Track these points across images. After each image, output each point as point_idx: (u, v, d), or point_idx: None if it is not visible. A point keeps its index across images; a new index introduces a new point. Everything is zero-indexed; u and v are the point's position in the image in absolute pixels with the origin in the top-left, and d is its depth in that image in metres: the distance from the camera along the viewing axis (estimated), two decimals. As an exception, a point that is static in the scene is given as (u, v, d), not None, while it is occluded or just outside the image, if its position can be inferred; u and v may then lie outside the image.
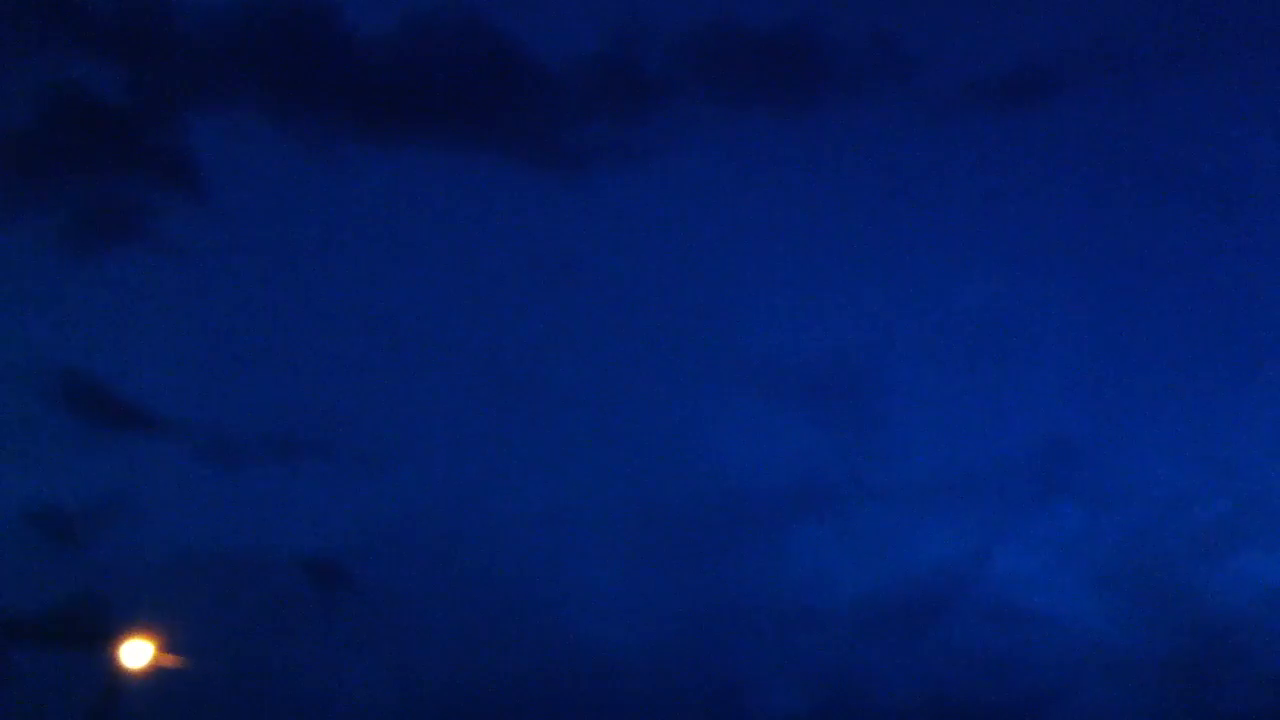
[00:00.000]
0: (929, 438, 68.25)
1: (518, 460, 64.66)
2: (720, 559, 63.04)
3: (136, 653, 27.82)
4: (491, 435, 65.05)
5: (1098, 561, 64.52)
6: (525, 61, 66.66)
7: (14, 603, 50.83)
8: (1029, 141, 71.90)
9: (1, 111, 60.54)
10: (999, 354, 69.20)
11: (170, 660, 28.00)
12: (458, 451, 64.63)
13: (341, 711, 54.22)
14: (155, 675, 28.54)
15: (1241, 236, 70.70)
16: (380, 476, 63.54)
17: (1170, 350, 70.92)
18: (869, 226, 71.22)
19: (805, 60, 68.35)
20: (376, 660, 56.88)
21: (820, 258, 71.79)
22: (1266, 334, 68.92)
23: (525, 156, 66.74)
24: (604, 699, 55.85)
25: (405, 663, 56.69)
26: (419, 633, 58.46)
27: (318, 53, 65.17)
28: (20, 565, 54.39)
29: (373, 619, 58.00)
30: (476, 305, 67.54)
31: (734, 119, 69.23)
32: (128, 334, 62.74)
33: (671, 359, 68.22)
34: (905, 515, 65.22)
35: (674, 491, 63.81)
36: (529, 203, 67.46)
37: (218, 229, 63.71)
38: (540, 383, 66.57)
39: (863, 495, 65.78)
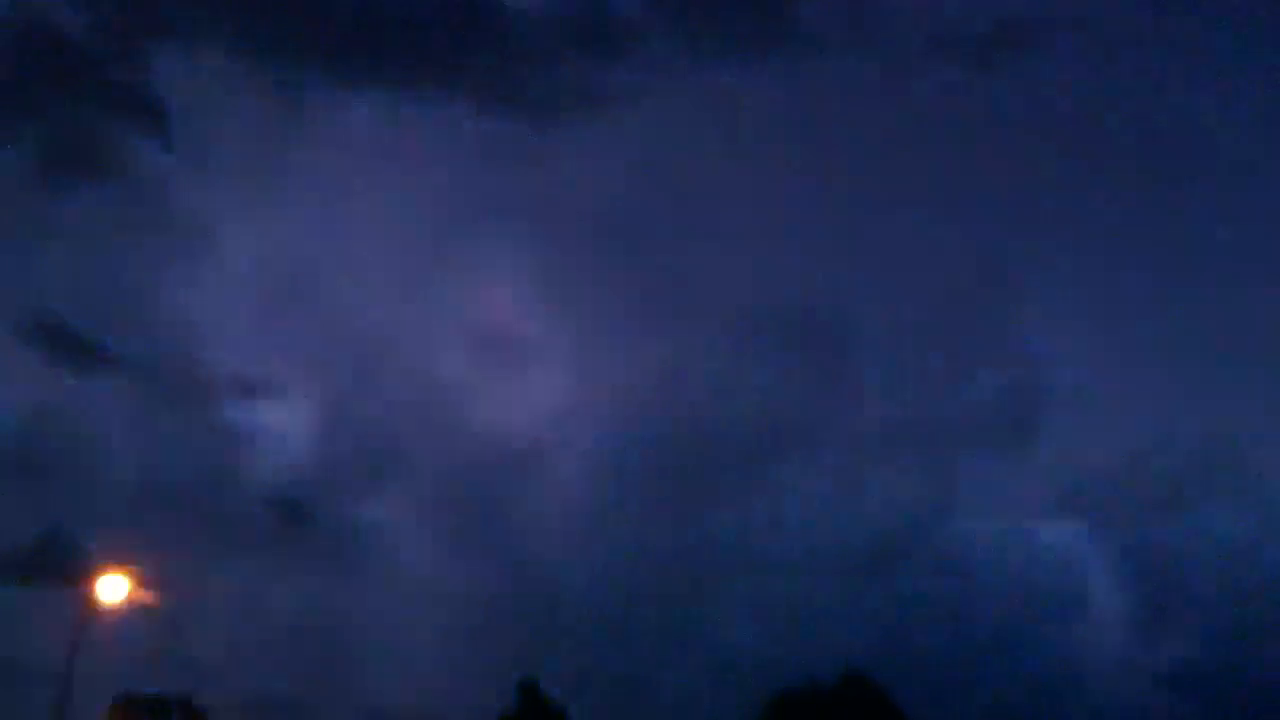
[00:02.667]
0: (895, 386, 69.06)
1: (483, 398, 65.21)
2: (686, 499, 63.79)
3: (111, 587, 28.15)
4: (458, 375, 65.50)
5: (1056, 512, 65.50)
6: (495, 6, 66.64)
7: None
8: (1000, 95, 72.48)
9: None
10: (965, 304, 69.80)
11: (145, 596, 28.41)
12: (422, 391, 65.09)
13: (309, 639, 54.92)
14: (128, 609, 28.97)
15: (1203, 194, 71.81)
16: (345, 413, 64.27)
17: (1133, 306, 72.22)
18: (839, 175, 71.49)
19: (775, 9, 68.55)
20: (343, 591, 57.63)
21: (789, 205, 72.24)
22: (1225, 293, 69.98)
23: (494, 100, 66.80)
24: (570, 631, 56.70)
25: (370, 597, 57.43)
26: (383, 562, 59.36)
27: (287, -4, 65.00)
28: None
29: (337, 548, 58.91)
30: (444, 246, 67.82)
31: (703, 66, 69.45)
32: (92, 273, 62.88)
33: (640, 302, 68.79)
34: (869, 463, 66.03)
35: (641, 431, 64.42)
36: (498, 146, 67.59)
37: (185, 167, 63.61)
38: (509, 323, 67.12)
39: (829, 441, 66.66)
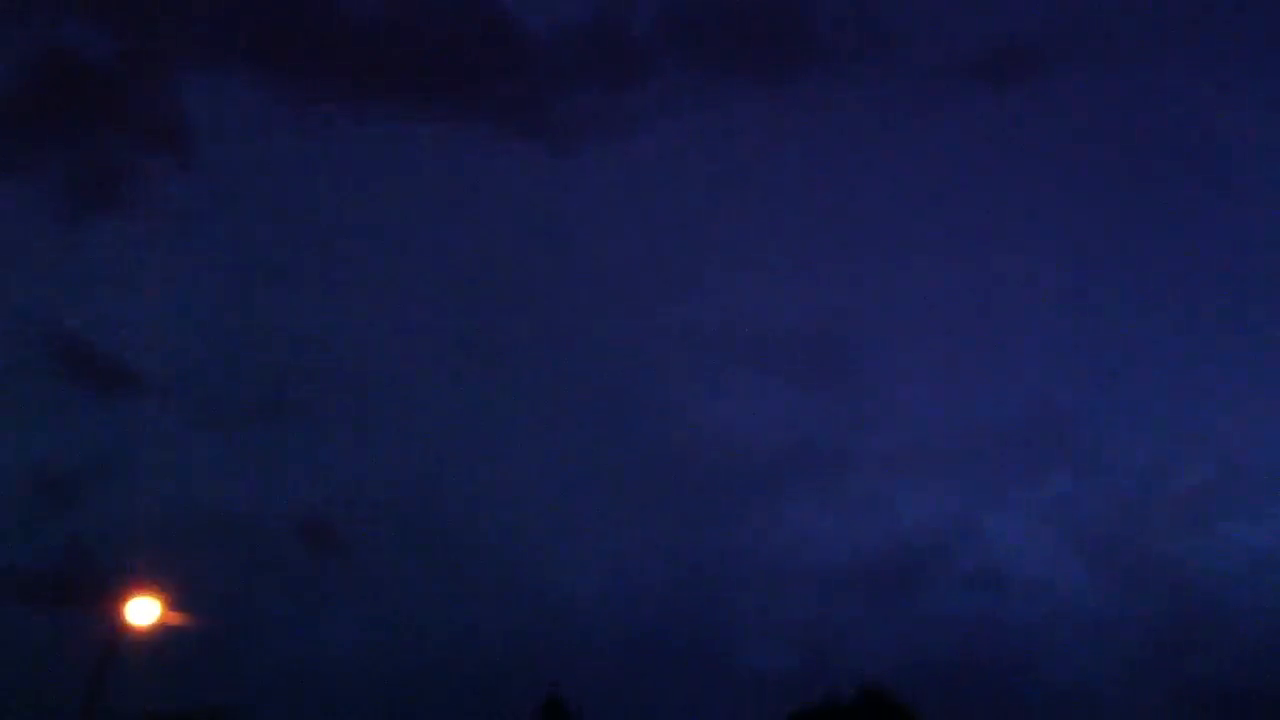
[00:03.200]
0: (914, 405, 69.23)
1: (507, 424, 65.65)
2: (709, 522, 64.17)
3: (141, 610, 28.45)
4: (480, 399, 65.91)
5: (1081, 528, 65.47)
6: (514, 30, 67.33)
7: (11, 560, 51.68)
8: (1013, 117, 72.85)
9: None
10: (985, 324, 70.21)
11: (174, 618, 28.70)
12: (447, 414, 65.46)
13: (331, 664, 55.10)
14: (157, 631, 29.26)
15: (1228, 211, 71.85)
16: (368, 438, 64.50)
17: (1153, 323, 72.22)
18: (857, 197, 72.14)
19: (790, 33, 69.10)
20: (366, 615, 57.80)
21: (808, 227, 72.69)
22: (1247, 307, 70.03)
23: (513, 124, 67.52)
24: (590, 656, 56.77)
25: (395, 619, 57.57)
26: (407, 589, 59.47)
27: (308, 19, 65.71)
28: (16, 524, 55.27)
29: (361, 576, 59.01)
30: (465, 270, 68.23)
31: (720, 90, 70.10)
32: (120, 297, 63.43)
33: (660, 325, 69.12)
34: (890, 481, 66.25)
35: (662, 455, 64.82)
36: (517, 169, 68.21)
37: (208, 193, 64.38)
38: (529, 348, 67.45)
39: (849, 461, 66.88)
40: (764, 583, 61.72)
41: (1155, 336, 71.98)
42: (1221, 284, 71.84)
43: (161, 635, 29.73)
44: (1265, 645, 57.19)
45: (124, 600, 28.81)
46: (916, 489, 66.28)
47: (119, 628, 28.72)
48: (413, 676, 54.75)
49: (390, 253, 68.57)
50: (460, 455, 64.30)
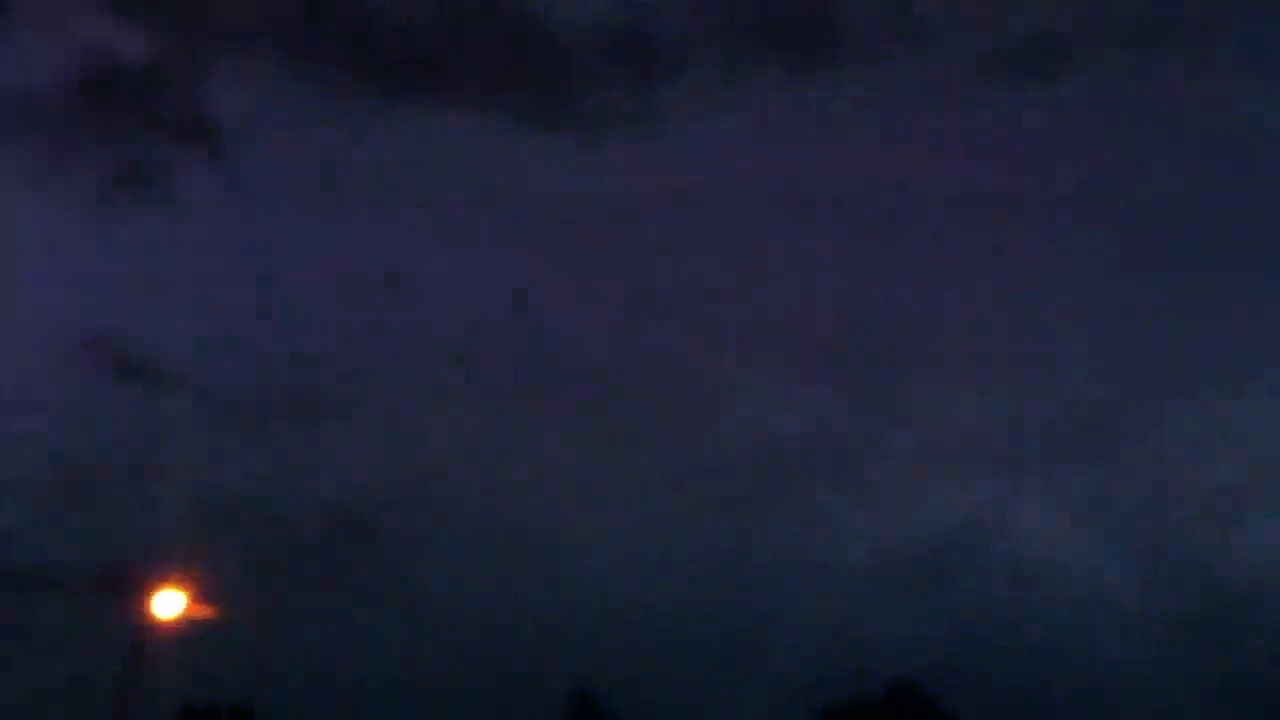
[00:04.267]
0: (947, 400, 68.82)
1: (539, 420, 65.57)
2: (740, 518, 63.82)
3: (168, 602, 28.63)
4: (513, 395, 65.96)
5: (1113, 524, 65.17)
6: (541, 26, 67.27)
7: (41, 555, 52.11)
8: (1044, 109, 72.10)
9: (29, 76, 61.53)
10: (1019, 319, 69.75)
11: (201, 610, 28.87)
12: (476, 409, 65.50)
13: (360, 658, 55.29)
14: (185, 624, 29.42)
15: (1259, 202, 71.09)
16: (400, 433, 64.61)
17: (1188, 317, 71.45)
18: (885, 192, 71.51)
19: (818, 27, 68.81)
20: (396, 609, 57.92)
21: (838, 222, 72.23)
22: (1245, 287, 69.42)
23: (540, 119, 67.43)
24: (619, 653, 56.75)
25: (423, 612, 57.69)
26: (437, 583, 59.54)
27: (338, 16, 65.91)
28: (46, 519, 55.71)
29: (392, 570, 59.14)
30: (495, 265, 68.34)
31: (747, 85, 69.66)
32: (150, 294, 63.84)
33: (690, 322, 69.00)
34: (923, 476, 65.97)
35: (693, 451, 64.65)
36: (544, 164, 68.09)
37: (239, 189, 64.67)
38: (560, 344, 67.45)
39: (881, 456, 66.58)
40: (794, 578, 61.56)
41: (1188, 331, 71.10)
42: (1257, 279, 71.02)
43: (190, 628, 29.90)
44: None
45: (151, 594, 28.99)
46: (948, 483, 65.93)
47: (147, 621, 28.89)
48: (442, 668, 54.88)
49: (420, 245, 68.70)
50: (489, 449, 64.40)
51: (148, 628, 28.95)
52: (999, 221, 72.35)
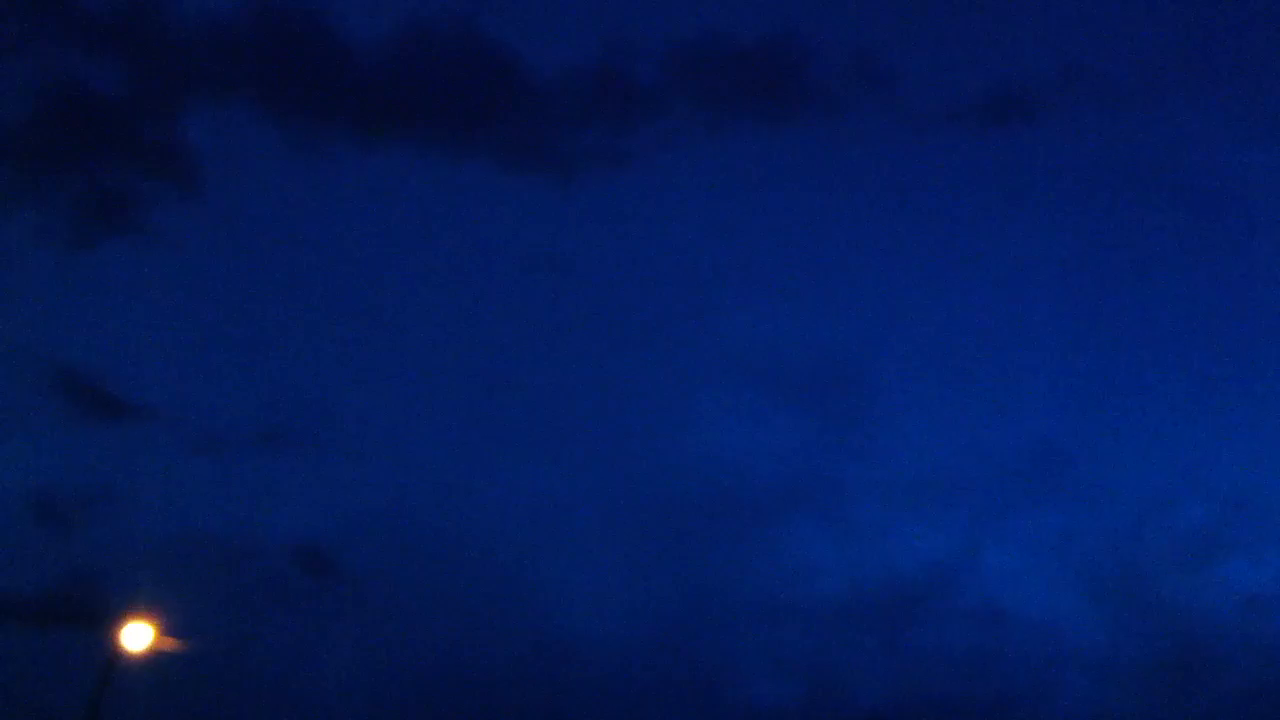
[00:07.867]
0: (915, 438, 69.36)
1: (505, 455, 65.75)
2: (706, 553, 64.11)
3: (136, 635, 28.60)
4: (479, 430, 66.20)
5: (1080, 564, 65.57)
6: (518, 69, 67.90)
7: (10, 584, 51.88)
8: (1010, 157, 73.26)
9: (1, 106, 61.55)
10: (985, 358, 70.55)
11: (169, 643, 28.86)
12: (445, 445, 65.70)
13: (327, 693, 55.14)
14: (152, 657, 29.40)
15: (1222, 247, 72.28)
16: (367, 467, 64.53)
17: (1154, 357, 72.25)
18: (854, 234, 72.53)
19: (790, 74, 69.82)
20: (363, 645, 57.81)
21: (806, 263, 73.12)
22: (1249, 343, 70.29)
23: (516, 161, 67.93)
24: (586, 687, 56.81)
25: (391, 647, 57.63)
26: (404, 618, 59.45)
27: (313, 53, 66.16)
28: (15, 549, 55.45)
29: (359, 605, 59.06)
30: (466, 302, 68.64)
31: (721, 129, 70.51)
32: (121, 326, 63.72)
33: (660, 358, 69.39)
34: (890, 513, 66.34)
35: (660, 486, 64.92)
36: (520, 206, 68.64)
37: (211, 224, 64.74)
38: (529, 379, 67.71)
39: (849, 492, 67.00)
40: (763, 614, 61.85)
41: (1157, 372, 72.04)
42: (1224, 321, 72.02)
43: (158, 661, 29.89)
44: (1264, 685, 57.24)
45: (120, 625, 28.95)
46: (917, 521, 66.33)
47: (115, 653, 28.85)
48: (409, 702, 54.84)
49: (392, 283, 68.90)
50: (459, 483, 64.47)
51: (116, 660, 28.88)
52: (971, 264, 73.42)
